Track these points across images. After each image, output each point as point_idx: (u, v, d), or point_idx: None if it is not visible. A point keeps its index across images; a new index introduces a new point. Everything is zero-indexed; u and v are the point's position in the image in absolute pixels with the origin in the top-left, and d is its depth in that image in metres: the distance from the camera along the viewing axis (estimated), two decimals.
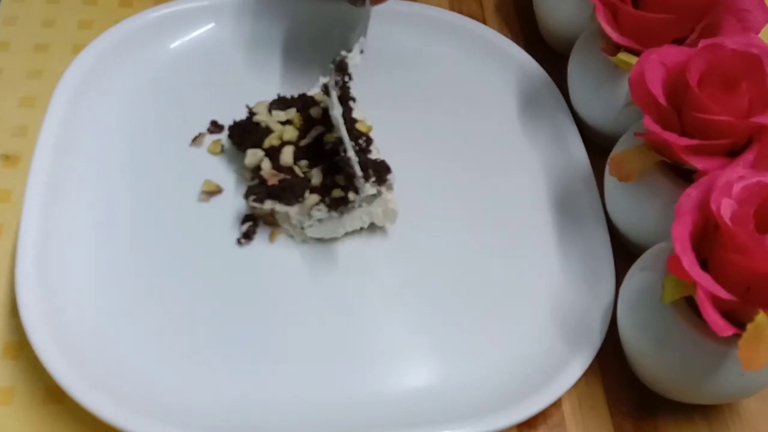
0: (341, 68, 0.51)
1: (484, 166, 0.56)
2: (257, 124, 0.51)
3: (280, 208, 0.48)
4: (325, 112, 0.51)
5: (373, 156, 0.50)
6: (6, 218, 0.49)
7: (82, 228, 0.48)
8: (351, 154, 0.46)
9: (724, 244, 0.37)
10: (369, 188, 0.47)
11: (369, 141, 0.51)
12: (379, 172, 0.49)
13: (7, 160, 0.51)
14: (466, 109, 0.59)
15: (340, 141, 0.47)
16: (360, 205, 0.48)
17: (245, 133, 0.51)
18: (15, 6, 0.59)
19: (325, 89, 0.50)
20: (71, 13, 0.60)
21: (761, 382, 0.41)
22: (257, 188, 0.48)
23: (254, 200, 0.48)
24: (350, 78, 0.51)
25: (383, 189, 0.48)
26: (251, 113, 0.52)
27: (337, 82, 0.50)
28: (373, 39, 0.53)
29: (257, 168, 0.49)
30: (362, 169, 0.46)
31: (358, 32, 0.53)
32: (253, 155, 0.50)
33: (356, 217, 0.49)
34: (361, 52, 0.52)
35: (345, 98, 0.50)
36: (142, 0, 0.60)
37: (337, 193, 0.48)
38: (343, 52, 0.51)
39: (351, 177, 0.46)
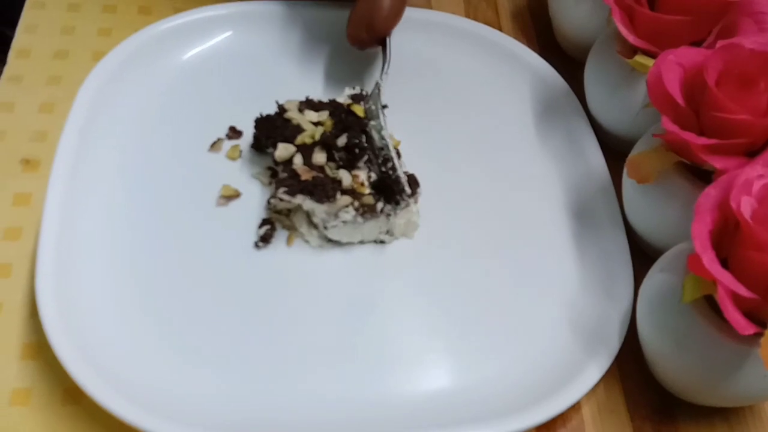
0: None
1: (501, 171, 0.56)
2: (287, 120, 0.51)
3: (309, 204, 0.47)
4: (356, 119, 0.51)
5: (402, 169, 0.50)
6: (26, 221, 0.49)
7: (101, 231, 0.48)
8: (401, 173, 0.48)
9: (744, 242, 0.37)
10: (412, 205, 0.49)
11: (398, 155, 0.51)
12: (410, 184, 0.49)
13: (27, 164, 0.52)
14: (483, 116, 0.59)
15: (385, 161, 0.49)
16: (388, 215, 0.49)
17: (273, 128, 0.51)
18: (36, 13, 0.60)
19: (368, 111, 0.51)
20: (91, 20, 0.60)
21: None
22: (289, 181, 0.48)
23: (285, 192, 0.48)
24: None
25: (411, 201, 0.49)
26: (282, 109, 0.52)
27: (384, 106, 0.52)
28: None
29: (287, 162, 0.49)
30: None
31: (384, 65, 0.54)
32: (285, 149, 0.49)
33: (376, 226, 0.49)
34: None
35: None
36: (161, 8, 0.61)
37: (367, 200, 0.48)
38: (379, 81, 0.53)
39: (397, 193, 0.48)
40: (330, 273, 0.49)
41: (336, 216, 0.48)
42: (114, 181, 0.51)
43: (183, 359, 0.44)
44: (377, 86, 0.52)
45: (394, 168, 0.48)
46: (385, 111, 0.53)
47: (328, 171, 0.49)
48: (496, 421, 0.43)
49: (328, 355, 0.46)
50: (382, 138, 0.49)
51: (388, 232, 0.50)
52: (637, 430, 0.45)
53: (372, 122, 0.50)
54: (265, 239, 0.49)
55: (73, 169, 0.49)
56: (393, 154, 0.49)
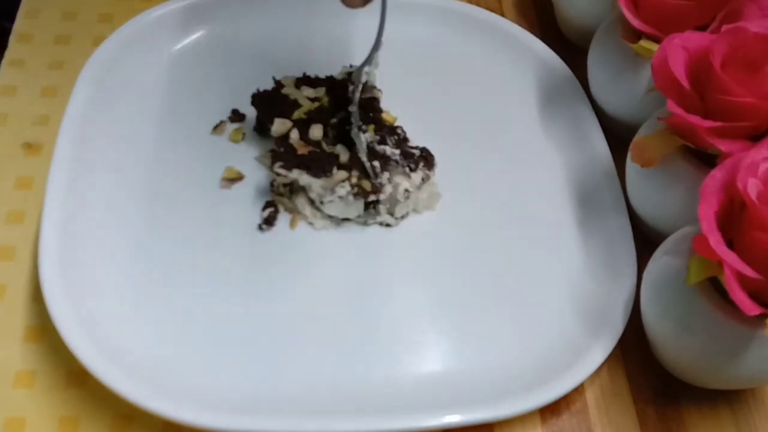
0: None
1: (505, 157, 0.56)
2: (284, 96, 0.51)
3: (305, 179, 0.48)
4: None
5: (412, 144, 0.51)
6: (29, 205, 0.49)
7: (103, 214, 0.48)
8: (364, 158, 0.49)
9: (750, 223, 0.37)
10: (387, 187, 0.49)
11: (403, 132, 0.51)
12: (425, 158, 0.50)
13: (30, 148, 0.52)
14: (485, 102, 0.59)
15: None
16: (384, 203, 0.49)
17: (271, 103, 0.51)
18: None
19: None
20: (92, 6, 0.60)
21: None
22: (285, 156, 0.48)
23: (281, 167, 0.48)
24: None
25: (431, 174, 0.50)
26: (279, 85, 0.52)
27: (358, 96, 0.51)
28: (390, 31, 0.53)
29: (284, 137, 0.49)
30: (406, 158, 0.50)
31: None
32: (282, 124, 0.50)
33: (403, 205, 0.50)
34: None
35: (370, 88, 0.52)
36: None
37: (366, 185, 0.48)
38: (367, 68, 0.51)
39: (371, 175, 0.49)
40: (334, 255, 0.49)
41: (332, 191, 0.48)
42: (116, 164, 0.51)
43: (187, 340, 0.44)
44: (374, 53, 0.50)
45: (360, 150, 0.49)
46: (381, 95, 0.53)
47: (324, 146, 0.49)
48: (500, 402, 0.43)
49: (333, 336, 0.46)
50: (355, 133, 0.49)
51: (389, 212, 0.50)
52: (640, 412, 0.46)
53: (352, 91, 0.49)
54: (268, 222, 0.49)
55: (75, 152, 0.49)
56: (361, 139, 0.49)
